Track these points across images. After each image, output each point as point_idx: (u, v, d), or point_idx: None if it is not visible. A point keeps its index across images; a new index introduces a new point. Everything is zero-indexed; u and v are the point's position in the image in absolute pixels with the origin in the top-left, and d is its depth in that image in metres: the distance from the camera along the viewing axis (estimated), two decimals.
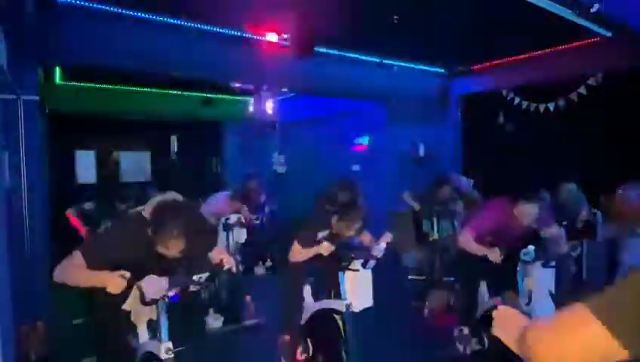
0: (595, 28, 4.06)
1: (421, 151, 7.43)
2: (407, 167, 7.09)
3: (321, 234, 3.13)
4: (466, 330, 3.45)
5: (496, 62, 6.84)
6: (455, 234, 5.55)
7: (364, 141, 8.06)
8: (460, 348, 3.53)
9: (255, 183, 5.58)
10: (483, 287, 3.43)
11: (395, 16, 4.79)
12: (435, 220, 5.43)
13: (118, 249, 2.24)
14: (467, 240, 3.23)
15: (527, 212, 3.13)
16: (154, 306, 2.20)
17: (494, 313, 1.05)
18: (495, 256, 3.06)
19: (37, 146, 4.27)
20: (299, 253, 3.10)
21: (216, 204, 5.12)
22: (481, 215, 3.43)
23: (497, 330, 1.02)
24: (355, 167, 7.80)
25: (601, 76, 5.82)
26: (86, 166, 8.31)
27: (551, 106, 6.32)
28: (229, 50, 5.37)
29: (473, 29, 5.24)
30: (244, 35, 5.32)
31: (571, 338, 0.76)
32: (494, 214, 3.30)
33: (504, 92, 6.82)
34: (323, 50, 5.92)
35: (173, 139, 8.98)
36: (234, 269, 2.32)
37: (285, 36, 5.18)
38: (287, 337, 3.41)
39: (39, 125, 4.36)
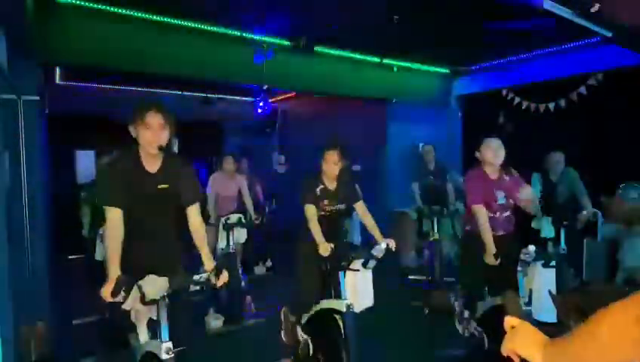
0: (595, 28, 4.05)
1: (421, 151, 7.42)
2: (408, 167, 7.09)
3: (317, 188, 3.33)
4: (466, 313, 3.45)
5: (496, 62, 6.85)
6: (456, 233, 5.58)
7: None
8: (460, 328, 3.53)
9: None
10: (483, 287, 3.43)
11: (396, 16, 4.79)
12: (435, 220, 5.43)
13: (115, 178, 2.32)
14: (479, 210, 3.26)
15: (491, 146, 3.28)
16: (154, 306, 2.20)
17: (508, 326, 1.02)
18: (491, 258, 3.06)
19: (37, 146, 4.27)
20: (311, 211, 3.24)
21: (215, 181, 5.28)
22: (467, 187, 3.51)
23: (518, 347, 0.98)
24: (356, 167, 7.79)
25: (601, 76, 5.82)
26: (86, 166, 8.31)
27: (551, 106, 6.32)
28: (229, 50, 5.38)
29: (474, 29, 5.24)
30: (244, 35, 5.32)
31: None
32: (474, 180, 3.41)
33: (504, 92, 6.83)
34: (323, 50, 5.93)
35: (174, 139, 8.96)
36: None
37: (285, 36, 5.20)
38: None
39: (39, 125, 4.37)
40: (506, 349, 1.00)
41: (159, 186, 2.37)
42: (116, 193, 2.27)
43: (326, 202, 3.37)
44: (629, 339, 0.74)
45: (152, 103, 2.35)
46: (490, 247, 3.12)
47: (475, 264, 3.29)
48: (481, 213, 3.26)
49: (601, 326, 0.79)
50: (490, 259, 3.09)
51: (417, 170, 5.93)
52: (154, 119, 2.30)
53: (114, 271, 2.11)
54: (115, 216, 2.24)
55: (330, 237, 3.20)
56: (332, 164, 3.27)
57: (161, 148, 2.32)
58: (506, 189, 3.38)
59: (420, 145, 7.42)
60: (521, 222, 3.48)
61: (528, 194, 3.38)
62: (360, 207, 3.45)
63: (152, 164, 2.39)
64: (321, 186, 3.35)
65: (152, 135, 2.29)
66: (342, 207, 3.46)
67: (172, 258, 2.44)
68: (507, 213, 3.43)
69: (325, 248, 3.05)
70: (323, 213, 3.36)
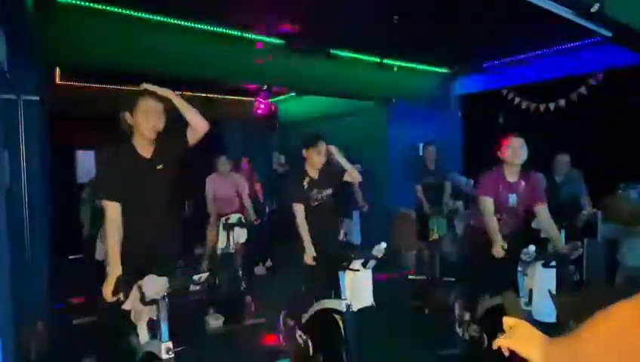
0: (595, 28, 4.05)
1: (421, 152, 7.42)
2: (408, 167, 7.08)
3: (304, 182, 3.41)
4: (467, 316, 3.46)
5: (496, 62, 6.84)
6: (454, 232, 5.58)
7: None
8: (459, 331, 3.54)
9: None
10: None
11: (396, 16, 4.79)
12: (435, 220, 5.43)
13: (112, 170, 2.36)
14: (486, 200, 3.20)
15: (517, 144, 3.30)
16: (154, 306, 2.20)
17: (506, 327, 1.01)
18: (498, 250, 3.01)
19: (37, 146, 4.26)
20: (299, 210, 3.32)
21: (212, 182, 5.24)
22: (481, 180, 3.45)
23: (516, 345, 0.97)
24: (356, 166, 7.78)
25: (601, 76, 5.82)
26: (86, 166, 8.30)
27: (551, 106, 6.32)
28: (229, 50, 5.37)
29: (474, 29, 5.24)
30: (244, 35, 5.32)
31: None
32: (489, 176, 3.36)
33: (504, 92, 6.82)
34: (323, 50, 5.92)
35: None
36: None
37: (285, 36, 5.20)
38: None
39: (39, 125, 4.36)
40: (499, 342, 0.99)
41: (157, 167, 2.39)
42: (115, 187, 2.29)
43: (315, 191, 3.43)
44: (627, 342, 0.71)
45: (150, 90, 2.39)
46: (496, 238, 3.03)
47: (478, 262, 3.28)
48: (488, 203, 3.20)
49: (598, 327, 0.77)
50: (498, 251, 2.98)
51: (419, 171, 5.91)
52: (152, 104, 2.30)
53: (115, 268, 2.11)
54: (113, 211, 2.25)
55: (327, 229, 3.34)
56: (323, 156, 3.42)
57: (158, 133, 2.34)
58: (520, 194, 3.29)
59: (420, 145, 7.43)
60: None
61: (540, 222, 3.31)
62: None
63: (147, 150, 2.41)
64: (308, 179, 3.43)
65: (151, 120, 2.31)
66: (330, 191, 3.50)
67: (172, 248, 2.46)
68: (514, 219, 3.34)
69: (310, 257, 3.12)
70: (315, 202, 3.42)
